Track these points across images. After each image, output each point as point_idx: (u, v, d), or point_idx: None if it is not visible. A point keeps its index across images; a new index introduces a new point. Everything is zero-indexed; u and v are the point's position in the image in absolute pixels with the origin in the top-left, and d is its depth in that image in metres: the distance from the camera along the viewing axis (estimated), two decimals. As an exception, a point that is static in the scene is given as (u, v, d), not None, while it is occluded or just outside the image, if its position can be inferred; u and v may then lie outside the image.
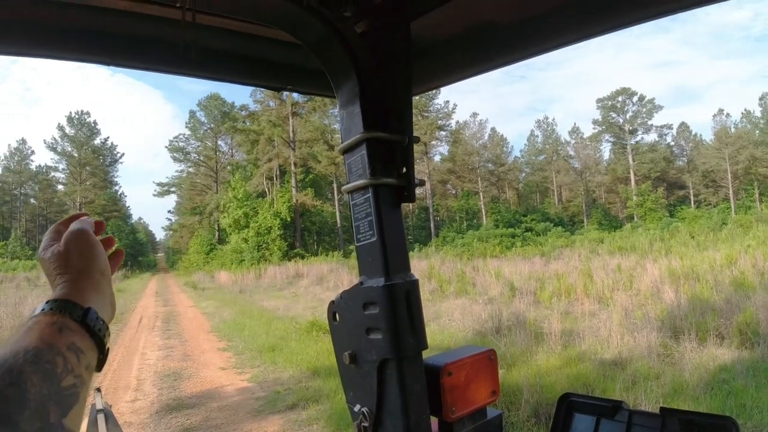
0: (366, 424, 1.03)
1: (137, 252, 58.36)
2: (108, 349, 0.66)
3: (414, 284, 1.03)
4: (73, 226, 0.76)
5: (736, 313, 8.17)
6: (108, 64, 1.24)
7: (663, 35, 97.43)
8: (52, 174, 67.73)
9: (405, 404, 0.97)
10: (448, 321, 10.99)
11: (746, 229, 28.20)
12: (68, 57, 1.18)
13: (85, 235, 0.75)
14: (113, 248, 0.87)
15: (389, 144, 1.06)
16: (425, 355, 1.12)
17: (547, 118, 75.80)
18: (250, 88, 56.08)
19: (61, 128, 63.67)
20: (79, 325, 0.62)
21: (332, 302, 1.11)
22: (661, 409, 1.16)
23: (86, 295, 0.66)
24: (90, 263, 0.72)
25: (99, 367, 0.65)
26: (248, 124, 56.05)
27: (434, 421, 1.12)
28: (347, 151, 1.10)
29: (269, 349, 9.51)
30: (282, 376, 7.76)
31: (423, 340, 1.02)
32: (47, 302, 0.63)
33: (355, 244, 1.08)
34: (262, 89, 44.58)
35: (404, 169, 1.07)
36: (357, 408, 1.05)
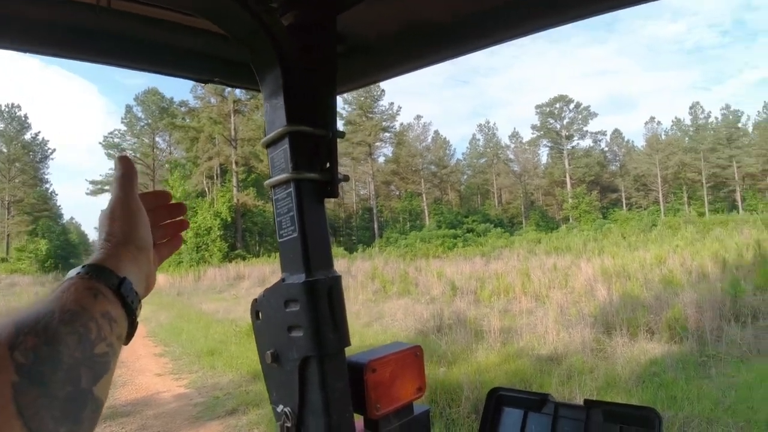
0: (289, 424, 1.00)
1: (69, 254, 54.69)
2: (137, 322, 0.65)
3: (336, 280, 1.02)
4: (121, 190, 0.73)
5: (665, 310, 8.60)
6: (23, 50, 1.17)
7: (600, 46, 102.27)
8: (-21, 171, 63.13)
9: (327, 402, 0.95)
10: (391, 321, 11.06)
11: (675, 231, 29.90)
12: None
13: (128, 202, 0.72)
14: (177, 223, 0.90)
15: (312, 138, 1.04)
16: (352, 353, 1.11)
17: (488, 123, 78.00)
18: (189, 84, 54.51)
19: (-11, 122, 59.50)
20: (114, 293, 0.60)
21: (255, 300, 1.08)
22: (585, 401, 1.19)
23: (123, 264, 0.65)
24: (129, 233, 0.69)
25: (127, 339, 0.63)
26: (188, 120, 54.24)
27: (360, 419, 1.11)
28: (270, 144, 1.08)
29: (208, 353, 9.29)
30: (221, 380, 7.59)
31: (345, 337, 1.01)
32: (84, 266, 0.61)
33: (278, 240, 1.05)
34: (202, 84, 43.39)
35: (328, 164, 1.05)
36: (280, 408, 1.03)
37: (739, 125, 62.82)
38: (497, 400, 1.32)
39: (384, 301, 13.94)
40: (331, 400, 0.96)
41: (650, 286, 11.14)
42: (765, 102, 65.20)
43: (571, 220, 56.97)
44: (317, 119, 1.05)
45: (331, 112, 1.09)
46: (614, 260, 15.42)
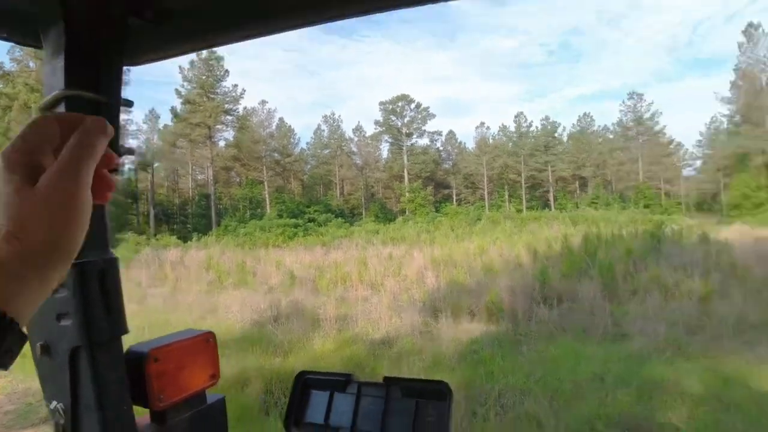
0: (62, 421, 0.90)
1: None
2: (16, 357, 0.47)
3: (111, 263, 0.93)
4: (74, 169, 0.47)
5: (484, 294, 9.50)
6: None
7: (442, 52, 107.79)
8: None
9: (100, 396, 0.88)
10: (226, 313, 10.70)
11: (496, 224, 33.29)
12: None
13: (79, 191, 0.47)
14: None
15: (93, 105, 0.94)
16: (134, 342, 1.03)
17: (333, 114, 78.59)
18: (6, 45, 46.76)
19: None
20: None
21: None
22: (385, 378, 1.24)
23: (25, 284, 0.44)
24: (60, 238, 0.46)
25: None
26: (0, 86, 46.53)
27: (148, 412, 1.04)
28: (46, 110, 0.95)
29: (18, 355, 8.15)
30: (34, 385, 6.72)
31: (121, 325, 0.93)
32: None
33: None
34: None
35: None
36: (53, 405, 0.92)
37: (556, 135, 71.50)
38: (304, 383, 1.34)
39: (219, 293, 13.43)
40: (105, 392, 0.88)
41: (473, 273, 12.22)
42: (579, 116, 74.63)
43: (407, 213, 59.97)
44: (100, 86, 0.95)
45: (117, 80, 1.00)
46: (443, 250, 16.64)
